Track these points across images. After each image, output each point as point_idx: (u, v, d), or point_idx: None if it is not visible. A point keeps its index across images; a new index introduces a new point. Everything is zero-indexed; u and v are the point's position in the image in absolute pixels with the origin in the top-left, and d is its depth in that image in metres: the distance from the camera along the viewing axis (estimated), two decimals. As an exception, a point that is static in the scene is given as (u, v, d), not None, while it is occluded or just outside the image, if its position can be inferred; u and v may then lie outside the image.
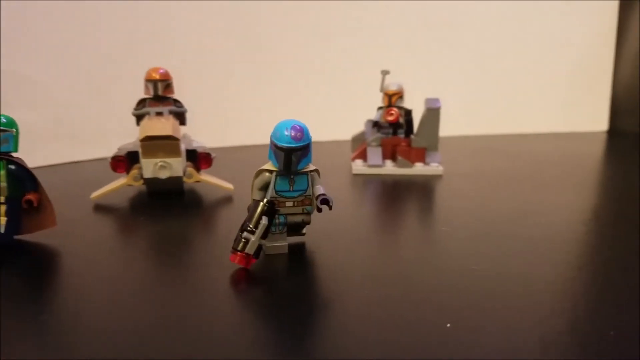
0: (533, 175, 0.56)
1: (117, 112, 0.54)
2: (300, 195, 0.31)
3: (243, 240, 0.29)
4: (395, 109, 0.54)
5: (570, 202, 0.47)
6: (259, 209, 0.30)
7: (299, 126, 0.30)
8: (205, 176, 0.45)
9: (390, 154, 0.55)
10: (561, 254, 0.35)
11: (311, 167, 0.32)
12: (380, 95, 0.56)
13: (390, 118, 0.54)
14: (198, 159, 0.45)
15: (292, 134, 0.29)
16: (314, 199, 0.31)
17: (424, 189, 0.51)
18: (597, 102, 0.80)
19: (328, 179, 0.53)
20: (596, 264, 0.34)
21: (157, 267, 0.33)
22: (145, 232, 0.39)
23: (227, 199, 0.45)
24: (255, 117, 0.74)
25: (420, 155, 0.54)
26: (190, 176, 0.44)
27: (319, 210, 0.31)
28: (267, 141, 0.32)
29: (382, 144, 0.55)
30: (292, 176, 0.31)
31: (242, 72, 0.74)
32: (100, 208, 0.43)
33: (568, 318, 0.26)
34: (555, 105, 0.79)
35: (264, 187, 0.31)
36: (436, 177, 0.53)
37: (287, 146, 0.29)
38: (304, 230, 0.34)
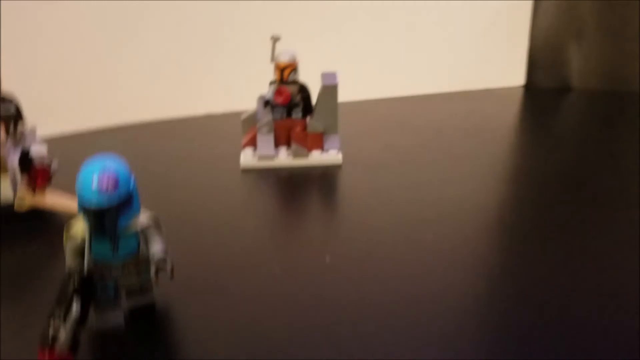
0: (442, 152, 0.50)
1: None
2: (129, 258, 0.24)
3: (52, 331, 0.22)
4: (285, 88, 0.46)
5: (486, 190, 0.42)
6: (69, 289, 0.22)
7: (111, 172, 0.22)
8: (46, 196, 0.36)
9: (285, 138, 0.48)
10: (478, 272, 0.30)
11: (142, 219, 0.24)
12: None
13: (279, 100, 0.46)
14: (34, 172, 0.36)
15: (100, 186, 0.21)
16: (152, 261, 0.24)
17: (320, 185, 0.45)
18: (513, 55, 0.75)
19: (211, 177, 0.46)
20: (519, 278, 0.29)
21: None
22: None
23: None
24: (136, 88, 0.65)
25: (317, 140, 0.47)
26: (22, 202, 0.35)
27: (155, 278, 0.24)
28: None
29: (276, 128, 0.48)
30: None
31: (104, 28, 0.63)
32: None
33: None
34: (467, 59, 0.74)
35: (78, 253, 0.23)
36: (335, 168, 0.47)
37: (93, 208, 0.22)
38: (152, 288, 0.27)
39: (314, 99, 0.49)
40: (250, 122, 0.50)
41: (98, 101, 0.62)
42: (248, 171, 0.46)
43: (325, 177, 0.45)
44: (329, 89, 0.46)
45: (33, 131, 0.40)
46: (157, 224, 0.24)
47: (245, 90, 0.65)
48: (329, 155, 0.47)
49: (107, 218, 0.22)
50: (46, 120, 0.60)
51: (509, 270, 0.31)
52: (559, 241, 0.34)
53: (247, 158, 0.47)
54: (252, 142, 0.48)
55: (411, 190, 0.42)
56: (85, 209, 0.22)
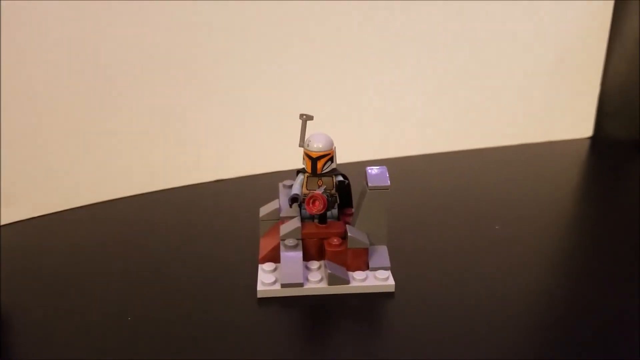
0: (502, 215, 0.41)
1: None
2: None
3: None
4: (317, 195, 0.35)
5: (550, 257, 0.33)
6: None
7: None
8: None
9: (316, 249, 0.36)
10: None
11: None
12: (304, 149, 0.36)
13: (313, 211, 0.35)
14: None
15: None
16: None
17: (367, 328, 0.32)
18: (581, 103, 0.63)
19: (218, 301, 0.34)
20: None
21: None
22: None
23: None
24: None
25: (360, 258, 0.35)
26: None
27: None
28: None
29: (304, 236, 0.36)
30: None
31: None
32: None
33: None
34: (529, 108, 0.62)
35: None
36: (386, 296, 0.35)
37: None
38: None
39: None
40: (270, 221, 0.39)
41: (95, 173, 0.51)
42: (266, 301, 0.34)
43: (372, 312, 0.34)
44: (378, 193, 0.35)
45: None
46: None
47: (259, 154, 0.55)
48: (376, 280, 0.35)
49: None
50: (37, 197, 0.50)
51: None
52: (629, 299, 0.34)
53: (267, 283, 0.35)
54: (273, 257, 0.37)
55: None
56: None
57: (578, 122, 0.63)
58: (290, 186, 0.40)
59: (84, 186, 0.49)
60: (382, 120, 0.57)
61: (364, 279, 0.35)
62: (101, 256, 0.40)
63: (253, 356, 0.30)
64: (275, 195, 0.40)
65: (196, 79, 0.51)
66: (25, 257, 0.40)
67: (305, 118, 0.37)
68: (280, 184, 0.41)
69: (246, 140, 0.54)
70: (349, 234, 0.35)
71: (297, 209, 0.38)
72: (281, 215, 0.38)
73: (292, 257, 0.35)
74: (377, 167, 0.35)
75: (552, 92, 0.61)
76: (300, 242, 0.36)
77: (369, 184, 0.34)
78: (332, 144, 0.36)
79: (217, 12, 0.49)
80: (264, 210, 0.39)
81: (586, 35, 0.60)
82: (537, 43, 0.59)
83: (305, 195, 0.36)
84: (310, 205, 0.34)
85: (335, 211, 0.37)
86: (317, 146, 0.36)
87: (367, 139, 0.57)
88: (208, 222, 0.45)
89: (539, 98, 0.61)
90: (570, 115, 0.63)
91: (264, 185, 0.52)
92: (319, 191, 0.35)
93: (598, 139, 0.64)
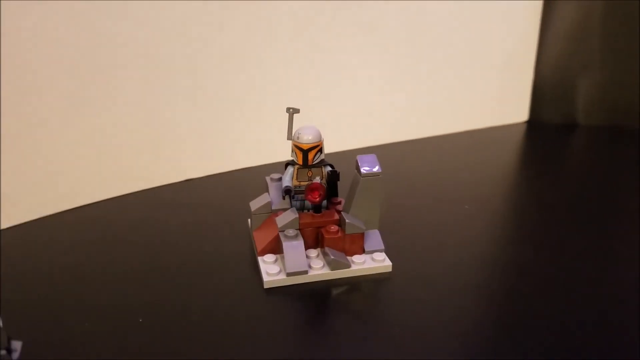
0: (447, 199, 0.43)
1: None
2: None
3: None
4: (317, 184, 0.36)
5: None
6: None
7: None
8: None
9: (313, 238, 0.38)
10: None
11: None
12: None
13: (317, 199, 0.36)
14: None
15: None
16: None
17: (372, 307, 0.34)
18: (516, 90, 0.69)
19: (225, 293, 0.35)
20: None
21: None
22: None
23: None
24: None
25: (357, 242, 0.37)
26: None
27: None
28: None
29: (302, 225, 0.37)
30: None
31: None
32: None
33: None
34: (468, 97, 0.66)
35: None
36: (383, 276, 0.37)
37: None
38: None
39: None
40: (262, 215, 0.39)
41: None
42: (272, 291, 0.35)
43: (372, 293, 0.36)
44: (371, 180, 0.37)
45: None
46: None
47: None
48: (374, 262, 0.37)
49: None
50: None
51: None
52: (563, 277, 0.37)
53: (272, 273, 0.36)
54: (272, 248, 0.38)
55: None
56: None
57: (514, 108, 0.69)
58: (278, 179, 0.41)
59: (74, 188, 0.47)
60: (335, 115, 0.59)
61: (363, 262, 0.37)
62: (95, 257, 0.39)
63: (270, 343, 0.31)
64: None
65: (178, 78, 0.51)
66: (21, 260, 0.38)
67: (292, 111, 0.38)
68: (267, 178, 0.42)
69: (216, 139, 0.54)
70: (346, 221, 0.37)
71: (289, 200, 0.39)
72: (273, 207, 0.39)
73: (294, 246, 0.36)
74: (368, 155, 0.37)
75: (490, 81, 0.66)
76: (299, 231, 0.37)
77: (362, 172, 0.36)
78: (320, 135, 0.38)
79: (190, 11, 0.49)
80: (255, 204, 0.40)
81: (519, 27, 0.65)
82: (474, 37, 0.63)
83: (296, 187, 0.38)
84: (312, 195, 0.36)
85: (324, 201, 0.39)
86: (308, 138, 0.37)
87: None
88: (193, 221, 0.45)
89: (479, 87, 0.66)
90: (506, 102, 0.69)
91: (229, 183, 0.53)
92: (316, 181, 0.36)
93: (533, 123, 0.70)
